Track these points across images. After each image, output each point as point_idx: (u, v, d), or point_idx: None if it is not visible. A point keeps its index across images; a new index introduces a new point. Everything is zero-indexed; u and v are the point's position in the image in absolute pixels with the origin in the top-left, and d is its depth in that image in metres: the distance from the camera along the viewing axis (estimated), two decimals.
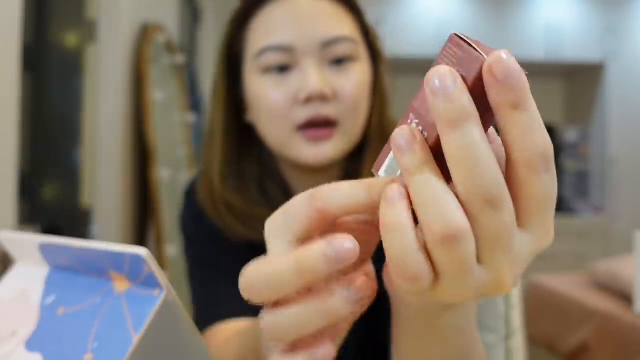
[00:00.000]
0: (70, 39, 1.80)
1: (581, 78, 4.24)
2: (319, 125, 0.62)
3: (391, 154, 0.27)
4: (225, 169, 0.68)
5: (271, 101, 0.63)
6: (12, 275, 0.43)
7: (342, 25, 0.64)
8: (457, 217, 0.23)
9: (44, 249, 0.39)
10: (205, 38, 3.59)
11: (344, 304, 0.25)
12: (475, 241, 0.24)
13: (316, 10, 0.63)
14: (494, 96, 0.23)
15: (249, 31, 0.66)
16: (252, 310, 0.62)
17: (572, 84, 4.40)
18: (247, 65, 0.66)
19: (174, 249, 2.07)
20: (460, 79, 0.23)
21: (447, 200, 0.23)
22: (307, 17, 0.63)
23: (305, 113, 0.62)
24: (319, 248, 0.24)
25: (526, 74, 0.24)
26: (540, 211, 0.25)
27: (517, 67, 0.23)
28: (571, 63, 4.01)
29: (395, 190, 0.25)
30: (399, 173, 0.26)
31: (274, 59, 0.62)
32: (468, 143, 0.23)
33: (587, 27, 3.94)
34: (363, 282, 0.26)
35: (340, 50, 0.63)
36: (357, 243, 0.24)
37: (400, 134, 0.25)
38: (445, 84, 0.23)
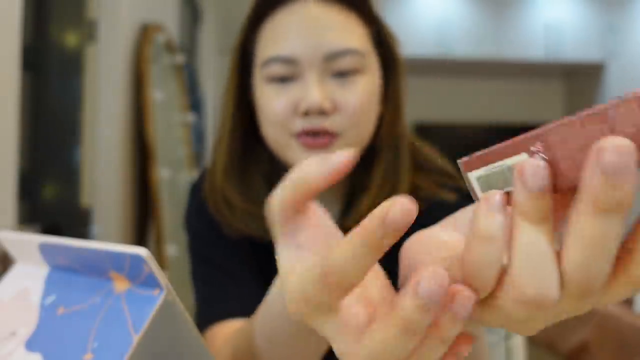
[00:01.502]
0: (70, 39, 1.80)
1: (581, 78, 4.24)
2: (317, 134, 0.62)
3: (494, 167, 0.24)
4: (229, 166, 0.68)
5: (271, 110, 0.63)
6: (12, 275, 0.43)
7: (350, 36, 0.63)
8: (553, 290, 0.22)
9: (44, 249, 0.39)
10: (205, 38, 3.59)
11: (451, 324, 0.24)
12: None
13: (325, 19, 0.62)
14: None
15: (260, 35, 0.66)
16: (253, 309, 0.63)
17: (572, 84, 4.40)
18: (256, 71, 0.66)
19: (174, 249, 2.07)
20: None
21: (551, 269, 0.22)
22: (314, 27, 0.62)
23: (303, 124, 0.62)
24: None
25: None
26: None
27: None
28: (571, 63, 4.01)
29: (498, 199, 0.22)
30: (494, 193, 0.23)
31: (278, 70, 0.62)
32: (607, 236, 0.20)
33: (587, 27, 3.94)
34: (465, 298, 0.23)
35: (344, 63, 0.62)
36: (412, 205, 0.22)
37: (535, 165, 0.21)
38: (624, 164, 0.19)
